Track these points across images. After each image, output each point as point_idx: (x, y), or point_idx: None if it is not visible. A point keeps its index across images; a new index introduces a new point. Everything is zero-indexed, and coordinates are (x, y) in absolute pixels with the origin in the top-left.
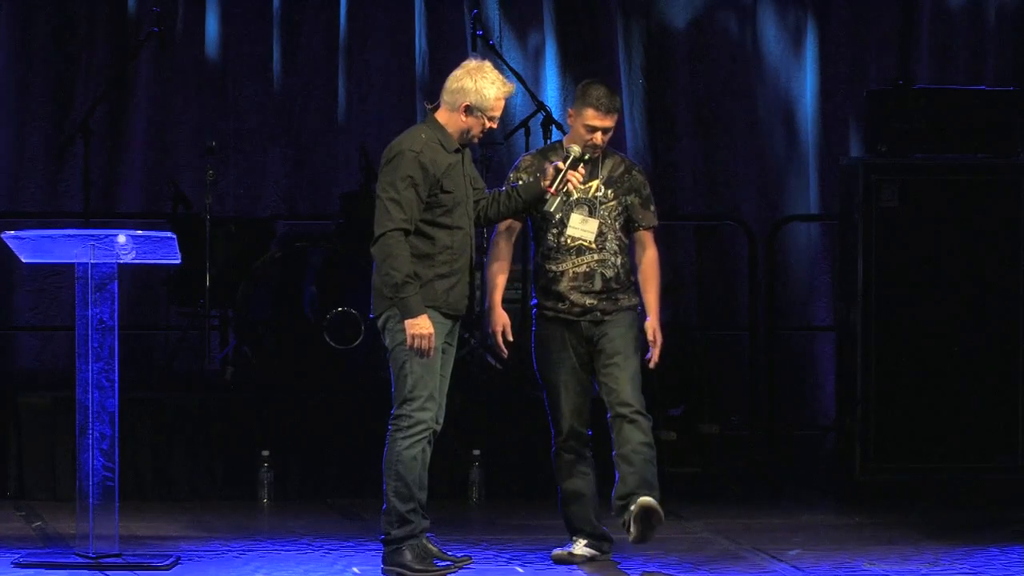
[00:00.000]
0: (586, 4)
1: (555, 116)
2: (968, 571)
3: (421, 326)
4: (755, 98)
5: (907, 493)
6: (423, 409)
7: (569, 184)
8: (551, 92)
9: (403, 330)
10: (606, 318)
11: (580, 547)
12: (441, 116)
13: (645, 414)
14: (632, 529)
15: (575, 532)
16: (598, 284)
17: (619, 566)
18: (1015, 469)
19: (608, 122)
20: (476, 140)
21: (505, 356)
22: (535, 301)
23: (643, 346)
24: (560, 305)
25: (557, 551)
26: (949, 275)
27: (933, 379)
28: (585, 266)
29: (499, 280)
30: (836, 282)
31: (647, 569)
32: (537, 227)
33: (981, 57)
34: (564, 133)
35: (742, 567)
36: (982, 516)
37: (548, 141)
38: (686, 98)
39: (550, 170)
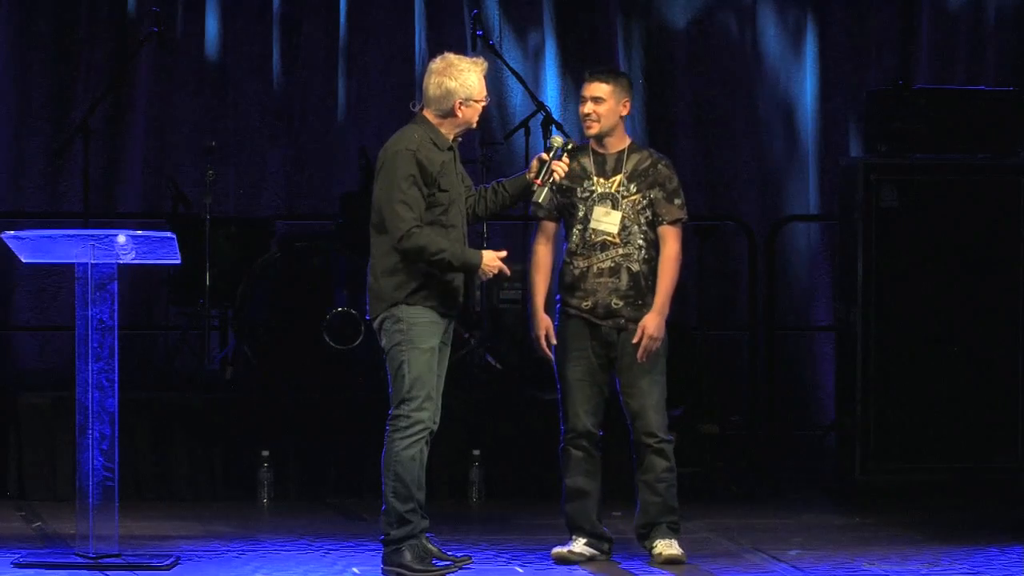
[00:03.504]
0: (586, 4)
1: (555, 116)
2: (968, 571)
3: (489, 262)
4: (755, 98)
5: (907, 493)
6: (421, 409)
7: (555, 174)
8: (551, 92)
9: (399, 331)
10: (630, 326)
11: (580, 545)
12: (430, 116)
13: (668, 439)
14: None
15: (575, 530)
16: (624, 280)
17: (619, 566)
18: (1015, 469)
19: (593, 90)
20: (475, 125)
21: (551, 359)
22: (559, 297)
23: (665, 353)
24: (584, 304)
25: (557, 549)
26: (949, 275)
27: (933, 379)
28: (610, 261)
29: (540, 284)
30: (836, 282)
31: (647, 570)
32: (566, 225)
33: (981, 57)
34: (564, 132)
35: (742, 567)
36: (982, 516)
37: (547, 141)
38: (686, 98)
39: (535, 162)
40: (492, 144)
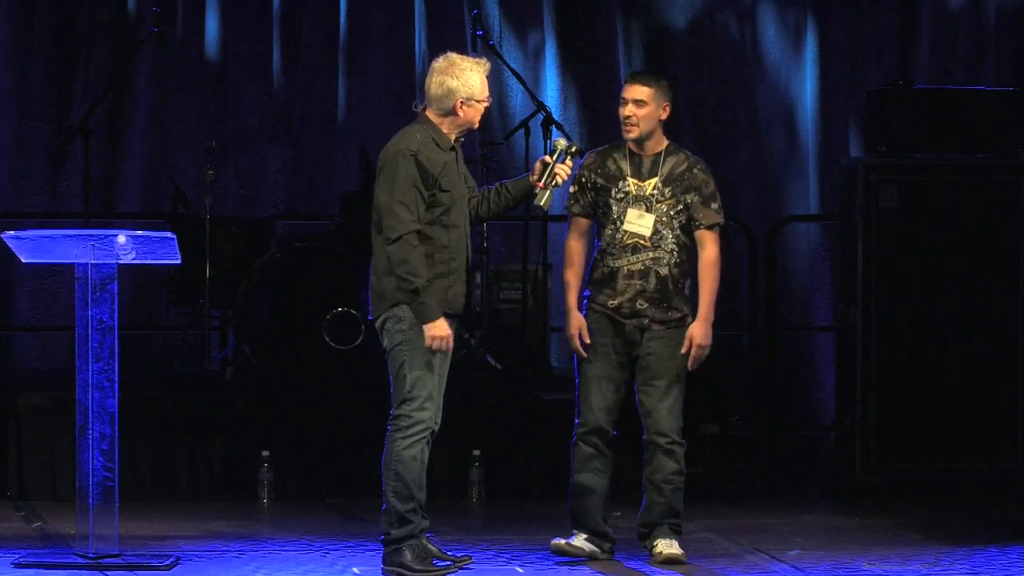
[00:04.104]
0: (586, 4)
1: (555, 116)
2: (968, 571)
3: (440, 328)
4: (755, 98)
5: (907, 493)
6: (422, 409)
7: (557, 177)
8: (551, 92)
9: (401, 331)
10: (654, 326)
11: (580, 540)
12: (432, 116)
13: (681, 441)
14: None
15: (578, 526)
16: (652, 282)
17: (622, 565)
18: (1015, 469)
19: (632, 92)
20: (477, 126)
21: (586, 357)
22: (587, 293)
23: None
24: (610, 303)
25: (556, 540)
26: (949, 275)
27: (933, 379)
28: (640, 263)
29: (573, 281)
30: (836, 282)
31: (648, 569)
32: (599, 224)
33: (981, 57)
34: (564, 133)
35: (742, 567)
36: (982, 516)
37: (548, 141)
38: (686, 98)
39: (538, 164)
40: (492, 144)
